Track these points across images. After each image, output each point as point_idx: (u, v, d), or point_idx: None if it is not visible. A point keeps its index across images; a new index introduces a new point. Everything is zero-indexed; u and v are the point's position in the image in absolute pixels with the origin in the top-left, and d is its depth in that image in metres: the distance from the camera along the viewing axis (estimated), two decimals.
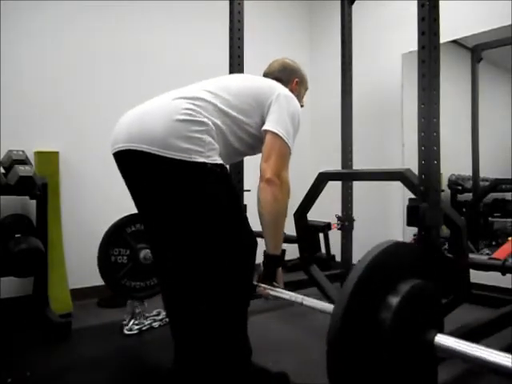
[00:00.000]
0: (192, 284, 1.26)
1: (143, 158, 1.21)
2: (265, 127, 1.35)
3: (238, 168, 2.49)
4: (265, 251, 1.43)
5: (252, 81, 1.47)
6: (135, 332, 2.29)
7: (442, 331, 1.01)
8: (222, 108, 1.31)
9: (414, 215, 1.65)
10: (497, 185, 3.29)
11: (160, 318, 2.42)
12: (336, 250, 3.01)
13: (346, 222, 3.05)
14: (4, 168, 2.38)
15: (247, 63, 2.53)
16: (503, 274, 1.94)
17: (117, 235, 2.31)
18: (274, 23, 4.05)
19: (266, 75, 1.65)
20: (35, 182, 2.32)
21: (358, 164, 3.10)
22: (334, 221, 2.93)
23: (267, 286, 1.43)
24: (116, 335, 2.28)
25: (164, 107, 1.26)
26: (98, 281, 2.37)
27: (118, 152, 1.29)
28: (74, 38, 2.93)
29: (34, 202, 2.43)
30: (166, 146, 1.19)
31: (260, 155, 1.38)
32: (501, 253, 2.21)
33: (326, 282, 2.35)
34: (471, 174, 3.39)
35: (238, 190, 2.37)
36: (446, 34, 2.35)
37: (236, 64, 2.49)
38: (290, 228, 2.20)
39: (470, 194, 3.42)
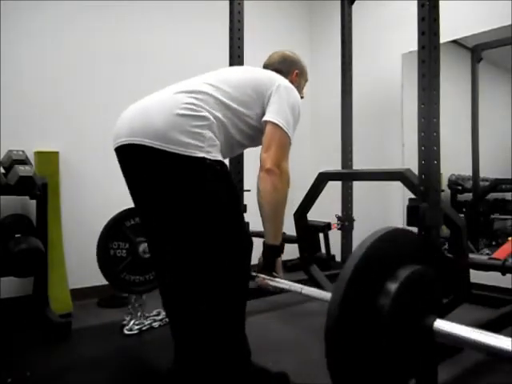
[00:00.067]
0: (191, 282, 1.25)
1: (145, 152, 1.21)
2: (265, 118, 1.35)
3: (238, 168, 2.49)
4: (264, 241, 1.42)
5: (252, 72, 1.47)
6: (135, 332, 2.29)
7: (441, 317, 1.00)
8: (223, 101, 1.31)
9: (414, 215, 1.65)
10: (497, 185, 3.30)
11: (160, 318, 2.42)
12: (336, 249, 3.01)
13: (346, 221, 3.06)
14: (4, 168, 2.38)
15: (247, 63, 2.52)
16: (503, 273, 1.94)
17: (116, 229, 2.29)
18: (273, 23, 4.05)
19: (265, 67, 1.65)
20: (35, 182, 2.32)
21: (358, 164, 3.11)
22: (334, 221, 2.93)
23: (266, 276, 1.43)
24: (116, 335, 2.28)
25: (165, 101, 1.26)
26: (98, 281, 2.38)
27: (121, 146, 1.29)
28: (74, 37, 2.93)
29: (34, 202, 2.43)
30: (166, 140, 1.19)
31: (260, 148, 1.37)
32: (501, 253, 2.21)
33: (326, 281, 2.35)
34: (471, 174, 3.39)
35: (238, 190, 2.37)
36: (446, 33, 2.35)
37: (236, 64, 2.51)
38: (290, 228, 2.20)
39: (470, 194, 3.43)
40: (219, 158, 1.26)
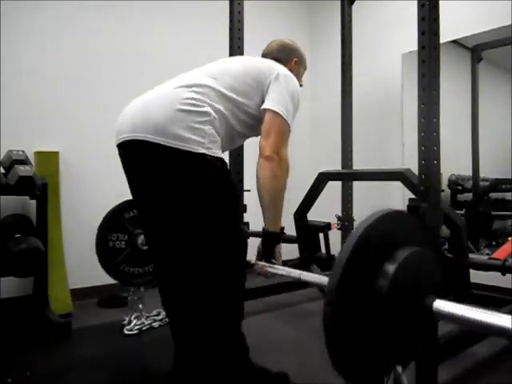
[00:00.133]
0: (193, 278, 1.25)
1: (148, 147, 1.21)
2: (264, 106, 1.35)
3: (238, 168, 2.49)
4: (263, 228, 1.41)
5: (251, 62, 1.47)
6: (135, 332, 2.29)
7: (441, 297, 0.99)
8: (223, 92, 1.31)
9: (414, 215, 1.65)
10: (497, 185, 3.30)
11: (160, 318, 2.42)
12: (336, 250, 3.00)
13: (346, 221, 3.05)
14: (4, 168, 2.38)
15: None
16: (503, 273, 1.94)
17: (115, 220, 2.29)
18: (273, 23, 4.04)
19: (264, 55, 1.65)
20: (35, 182, 2.32)
21: (358, 164, 3.10)
22: (334, 221, 2.92)
23: (266, 263, 1.43)
24: (116, 335, 2.28)
25: (166, 96, 1.27)
26: (98, 281, 2.38)
27: (123, 142, 1.29)
28: (74, 37, 2.93)
29: (34, 202, 2.43)
30: (167, 135, 1.19)
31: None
32: (501, 253, 2.20)
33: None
34: (471, 174, 3.39)
35: (237, 189, 2.37)
36: (446, 34, 2.35)
37: None
38: (290, 228, 2.20)
39: (470, 194, 3.43)
40: (219, 154, 1.26)
